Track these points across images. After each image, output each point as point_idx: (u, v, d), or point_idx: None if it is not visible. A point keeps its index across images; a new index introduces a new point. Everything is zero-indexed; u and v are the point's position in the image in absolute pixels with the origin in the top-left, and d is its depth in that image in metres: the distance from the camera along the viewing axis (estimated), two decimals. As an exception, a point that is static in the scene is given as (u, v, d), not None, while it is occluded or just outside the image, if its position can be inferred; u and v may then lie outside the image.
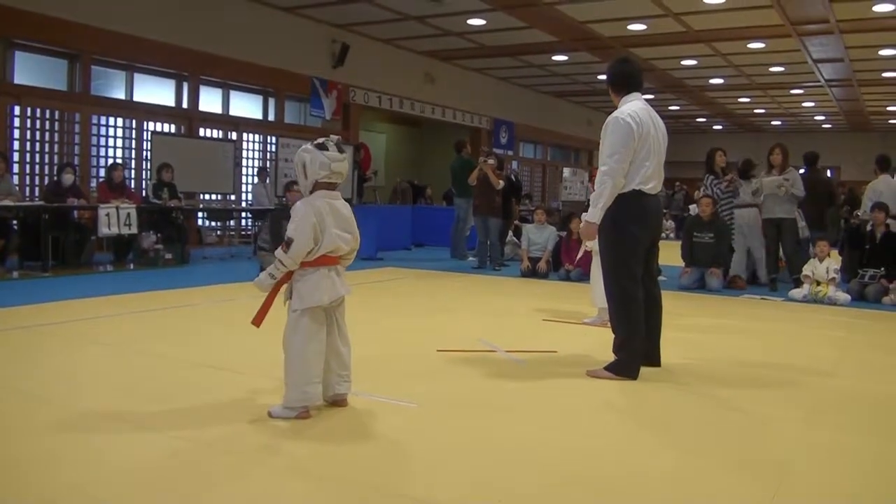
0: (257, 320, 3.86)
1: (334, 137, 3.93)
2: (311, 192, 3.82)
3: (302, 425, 3.66)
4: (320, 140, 3.84)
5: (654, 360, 5.03)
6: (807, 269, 9.12)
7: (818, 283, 8.98)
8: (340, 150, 3.83)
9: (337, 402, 3.95)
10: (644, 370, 4.83)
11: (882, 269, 9.14)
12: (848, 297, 8.87)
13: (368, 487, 2.97)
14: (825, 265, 8.99)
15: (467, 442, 3.55)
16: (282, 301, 3.87)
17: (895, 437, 3.88)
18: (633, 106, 4.83)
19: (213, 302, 7.48)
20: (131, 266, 10.20)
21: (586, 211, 4.84)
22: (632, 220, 4.77)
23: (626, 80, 4.99)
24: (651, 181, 4.79)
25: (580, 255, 9.87)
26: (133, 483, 2.93)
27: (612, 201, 4.73)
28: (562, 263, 10.42)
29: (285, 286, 3.85)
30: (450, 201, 16.23)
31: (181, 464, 3.15)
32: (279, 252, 3.72)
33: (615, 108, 4.92)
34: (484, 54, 18.13)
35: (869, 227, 9.74)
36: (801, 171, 10.30)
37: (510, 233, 13.00)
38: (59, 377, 4.50)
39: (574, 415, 4.10)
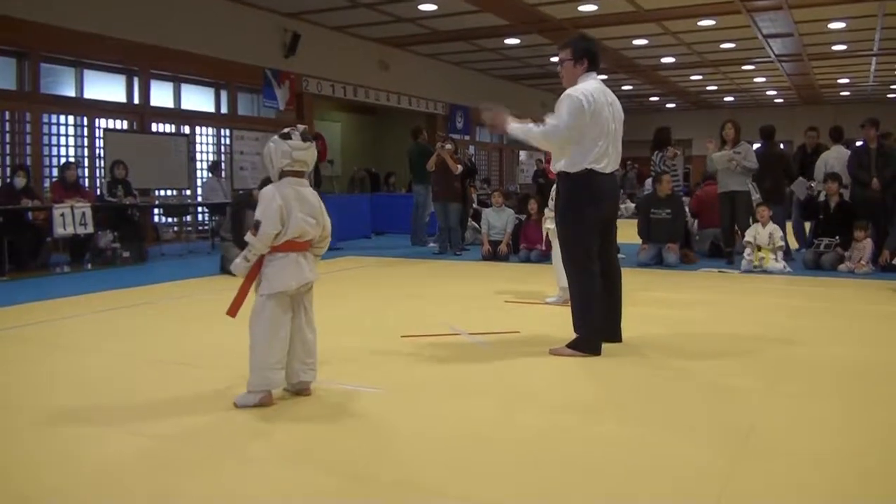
0: (232, 310, 3.86)
1: (301, 127, 3.96)
2: (278, 180, 3.86)
3: (270, 414, 3.66)
4: (286, 130, 3.89)
5: (615, 336, 5.11)
6: (748, 236, 9.28)
7: (760, 249, 9.14)
8: (305, 139, 3.87)
9: (301, 391, 3.96)
10: (606, 346, 4.89)
11: (837, 237, 9.33)
12: (784, 263, 9.12)
13: (341, 474, 2.98)
14: (767, 230, 9.16)
15: (435, 425, 3.57)
16: (254, 289, 3.88)
17: (853, 401, 3.97)
18: (589, 86, 4.88)
19: (173, 299, 7.41)
20: (89, 266, 10.04)
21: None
22: (585, 200, 4.82)
23: (591, 57, 5.03)
24: (603, 160, 4.83)
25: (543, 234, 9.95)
26: (109, 482, 2.91)
27: (531, 142, 4.92)
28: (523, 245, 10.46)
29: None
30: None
31: (155, 460, 3.14)
32: (249, 236, 3.76)
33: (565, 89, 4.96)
34: (437, 39, 18.04)
35: (822, 198, 9.91)
36: (757, 145, 10.43)
37: (469, 218, 13.02)
38: (23, 381, 4.43)
39: (539, 393, 4.14)
